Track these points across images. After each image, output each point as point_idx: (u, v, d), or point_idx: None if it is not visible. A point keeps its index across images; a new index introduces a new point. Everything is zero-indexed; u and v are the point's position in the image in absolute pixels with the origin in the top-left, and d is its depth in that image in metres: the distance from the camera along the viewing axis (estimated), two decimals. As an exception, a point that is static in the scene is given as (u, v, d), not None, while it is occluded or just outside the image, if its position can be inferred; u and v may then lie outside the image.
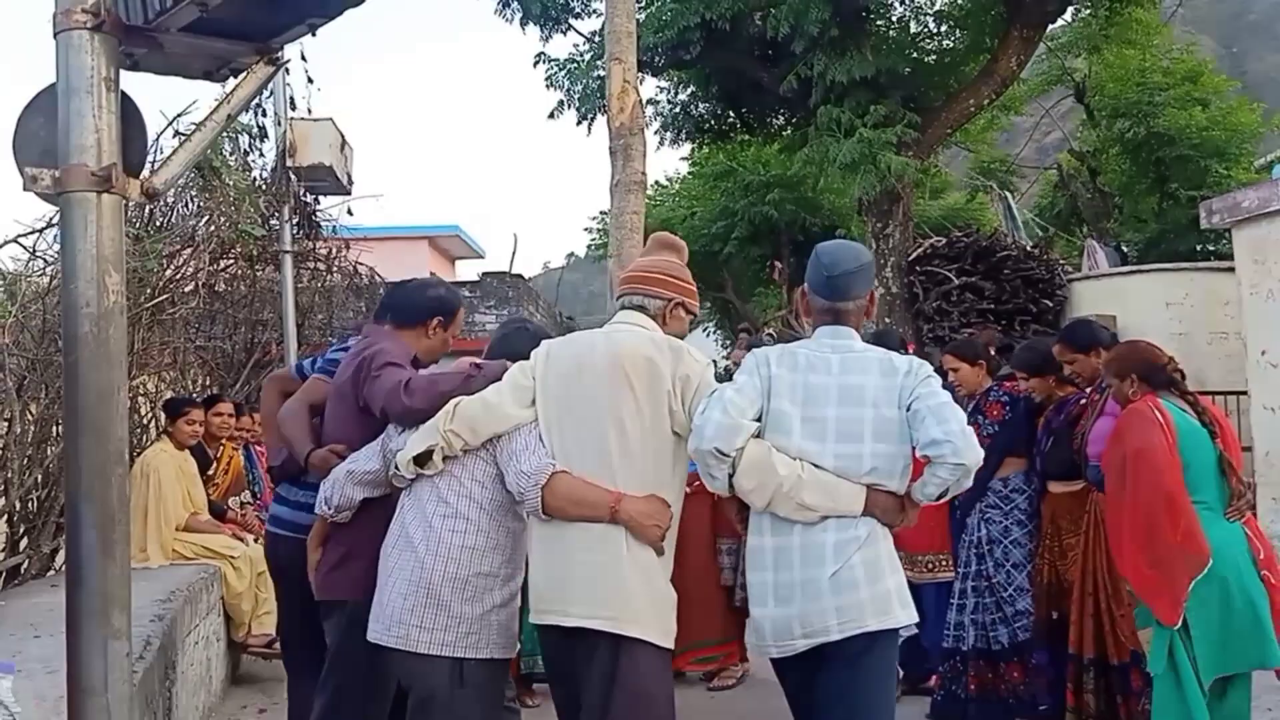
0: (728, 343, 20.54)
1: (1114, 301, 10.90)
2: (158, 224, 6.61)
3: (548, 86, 13.06)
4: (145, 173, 2.62)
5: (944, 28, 13.30)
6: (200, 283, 6.90)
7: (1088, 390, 4.19)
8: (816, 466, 2.58)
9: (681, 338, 2.84)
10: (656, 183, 21.49)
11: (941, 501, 2.68)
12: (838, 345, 2.69)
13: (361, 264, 9.25)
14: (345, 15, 2.59)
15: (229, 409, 6.07)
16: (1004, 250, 11.96)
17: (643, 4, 11.81)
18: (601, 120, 10.60)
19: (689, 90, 14.01)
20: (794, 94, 11.68)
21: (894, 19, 13.05)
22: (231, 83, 2.75)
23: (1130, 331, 8.78)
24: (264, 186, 7.67)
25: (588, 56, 12.97)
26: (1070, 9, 13.29)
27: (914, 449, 2.61)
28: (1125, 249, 15.31)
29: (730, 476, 2.59)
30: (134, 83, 2.63)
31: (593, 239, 22.83)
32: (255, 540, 5.42)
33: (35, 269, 5.31)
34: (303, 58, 7.88)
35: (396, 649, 2.70)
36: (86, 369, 2.41)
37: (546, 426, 2.72)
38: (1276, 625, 3.35)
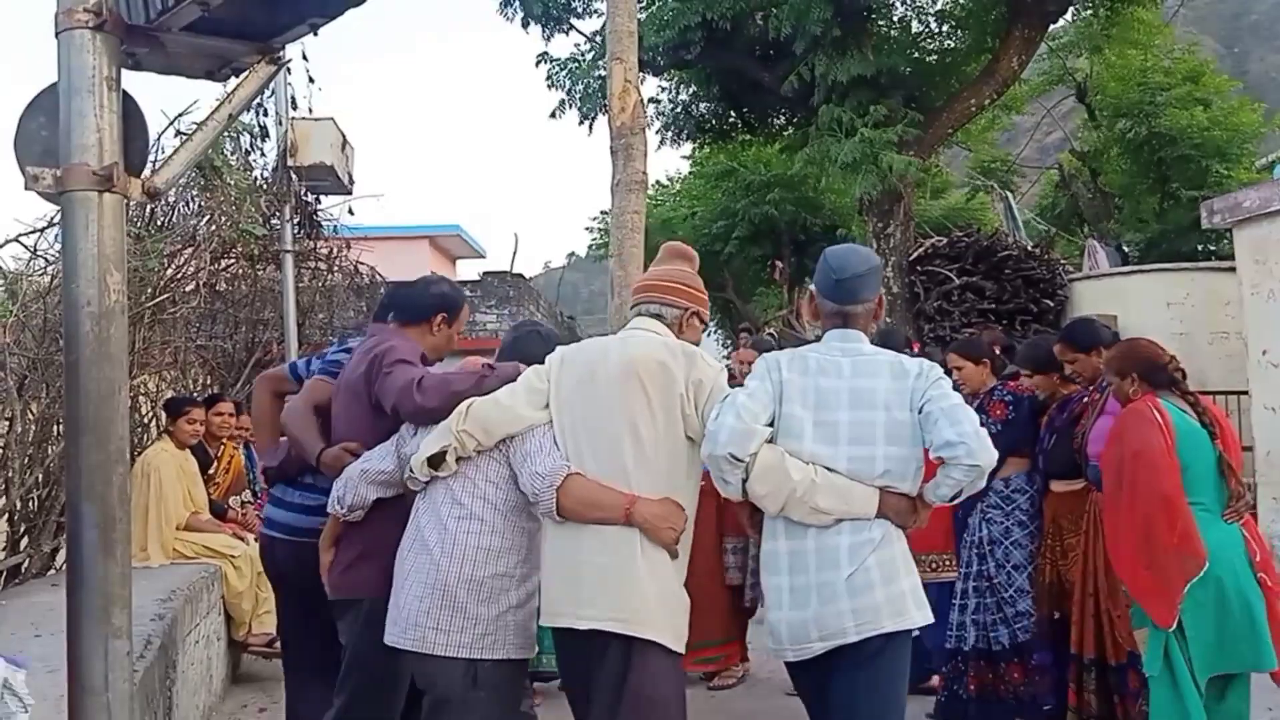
0: (728, 343, 20.54)
1: (1115, 301, 10.88)
2: (159, 223, 6.61)
3: (549, 86, 13.09)
4: (146, 172, 2.63)
5: (945, 27, 13.28)
6: (201, 282, 6.90)
7: (1089, 389, 4.19)
8: (829, 470, 2.58)
9: (695, 345, 2.84)
10: (658, 182, 21.52)
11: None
12: (848, 349, 2.70)
13: (362, 263, 9.25)
14: (346, 15, 2.60)
15: (230, 408, 6.07)
16: (1005, 250, 11.95)
17: (644, 4, 11.81)
18: (603, 120, 10.60)
19: (690, 90, 14.02)
20: (795, 94, 11.67)
21: (895, 19, 13.02)
22: (233, 82, 2.76)
23: (1131, 331, 8.73)
24: (265, 186, 7.68)
25: (589, 56, 12.97)
26: (1072, 9, 13.26)
27: (926, 451, 2.61)
28: (1126, 249, 15.27)
29: (744, 482, 2.59)
30: (135, 82, 2.64)
31: (594, 239, 22.80)
32: (256, 539, 5.41)
33: (36, 268, 5.32)
34: (304, 57, 7.93)
35: (412, 651, 2.69)
36: (87, 368, 2.42)
37: (561, 431, 2.71)
38: (1272, 629, 3.34)
